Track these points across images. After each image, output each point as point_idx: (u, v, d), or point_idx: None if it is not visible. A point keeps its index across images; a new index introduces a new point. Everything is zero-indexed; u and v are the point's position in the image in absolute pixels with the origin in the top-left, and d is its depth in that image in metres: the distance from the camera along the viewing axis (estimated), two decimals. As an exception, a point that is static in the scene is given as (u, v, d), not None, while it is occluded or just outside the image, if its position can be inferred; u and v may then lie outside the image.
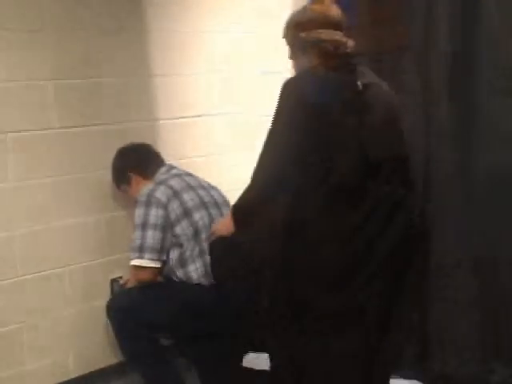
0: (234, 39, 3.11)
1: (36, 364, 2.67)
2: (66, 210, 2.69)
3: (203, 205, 2.56)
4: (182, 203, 2.50)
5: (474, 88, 2.58)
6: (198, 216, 2.51)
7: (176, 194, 2.50)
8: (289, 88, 2.04)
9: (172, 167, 2.69)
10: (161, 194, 2.48)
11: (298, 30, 2.14)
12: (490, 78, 2.54)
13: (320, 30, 2.10)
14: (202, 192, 2.59)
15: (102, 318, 2.60)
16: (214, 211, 2.57)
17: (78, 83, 2.66)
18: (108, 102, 2.75)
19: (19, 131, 2.52)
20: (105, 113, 2.75)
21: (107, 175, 2.78)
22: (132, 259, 2.48)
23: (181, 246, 2.48)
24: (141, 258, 2.45)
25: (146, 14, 2.83)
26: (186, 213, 2.49)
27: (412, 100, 2.67)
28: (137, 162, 2.68)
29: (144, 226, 2.44)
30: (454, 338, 2.70)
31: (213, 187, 2.67)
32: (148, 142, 2.82)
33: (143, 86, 2.86)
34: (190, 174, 2.68)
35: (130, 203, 2.82)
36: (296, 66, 2.20)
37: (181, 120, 2.99)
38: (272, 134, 2.05)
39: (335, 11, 2.16)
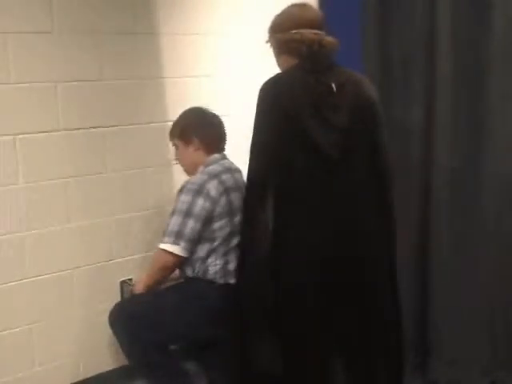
0: (246, 41, 3.10)
1: (46, 365, 2.68)
2: (76, 211, 2.69)
3: None
4: (230, 202, 2.45)
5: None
6: (238, 219, 2.42)
7: (226, 191, 2.45)
8: (263, 92, 2.06)
9: (225, 157, 2.60)
10: (213, 187, 2.42)
11: (275, 32, 2.19)
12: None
13: (294, 31, 2.11)
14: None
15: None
16: None
17: (88, 85, 2.65)
18: (119, 103, 2.75)
19: (29, 133, 2.53)
20: (116, 114, 2.74)
21: (117, 177, 2.78)
22: (163, 243, 2.39)
23: (212, 241, 2.44)
24: (175, 244, 2.36)
25: (156, 17, 2.82)
26: (230, 212, 2.45)
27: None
28: (207, 136, 2.56)
29: (187, 213, 2.38)
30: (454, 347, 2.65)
31: None
32: (160, 143, 2.83)
33: (155, 88, 2.85)
34: (239, 171, 2.59)
35: (140, 206, 2.83)
36: (278, 67, 2.21)
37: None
38: (256, 136, 2.06)
39: (311, 11, 2.18)
